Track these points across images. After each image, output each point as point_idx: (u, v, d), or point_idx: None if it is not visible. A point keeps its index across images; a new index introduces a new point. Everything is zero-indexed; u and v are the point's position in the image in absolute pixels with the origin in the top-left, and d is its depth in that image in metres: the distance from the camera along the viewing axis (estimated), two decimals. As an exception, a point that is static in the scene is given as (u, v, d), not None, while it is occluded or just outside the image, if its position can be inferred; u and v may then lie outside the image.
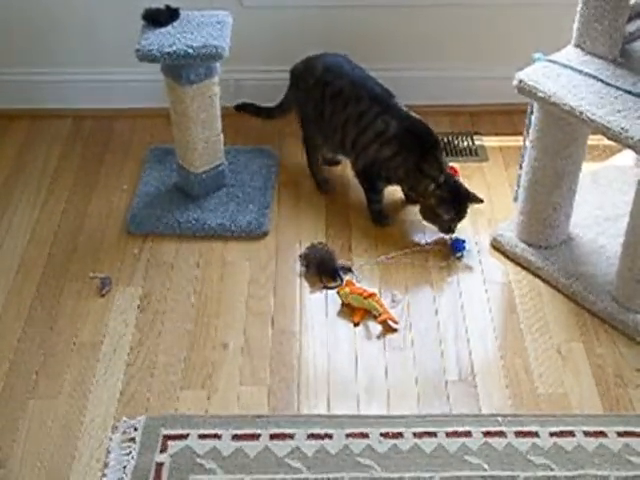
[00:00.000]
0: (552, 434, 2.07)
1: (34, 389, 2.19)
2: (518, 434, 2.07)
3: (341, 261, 2.51)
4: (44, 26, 2.94)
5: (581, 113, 2.20)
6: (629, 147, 2.17)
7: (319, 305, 2.42)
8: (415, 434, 2.07)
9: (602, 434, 2.07)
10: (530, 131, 2.41)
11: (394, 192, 2.72)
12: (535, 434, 2.07)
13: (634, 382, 2.21)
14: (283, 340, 2.32)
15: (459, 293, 2.45)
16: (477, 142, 2.99)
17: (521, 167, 2.53)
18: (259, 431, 2.07)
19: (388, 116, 2.54)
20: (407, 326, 2.36)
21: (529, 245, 2.52)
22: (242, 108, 2.87)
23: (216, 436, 2.06)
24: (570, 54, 2.37)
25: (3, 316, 2.37)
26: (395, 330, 2.35)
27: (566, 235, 2.54)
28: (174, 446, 2.04)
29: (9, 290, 2.45)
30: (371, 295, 2.38)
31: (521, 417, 2.11)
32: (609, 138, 2.20)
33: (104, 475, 2.00)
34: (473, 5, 2.90)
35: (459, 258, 2.55)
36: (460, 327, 2.36)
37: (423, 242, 2.61)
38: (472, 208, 2.57)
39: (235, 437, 2.06)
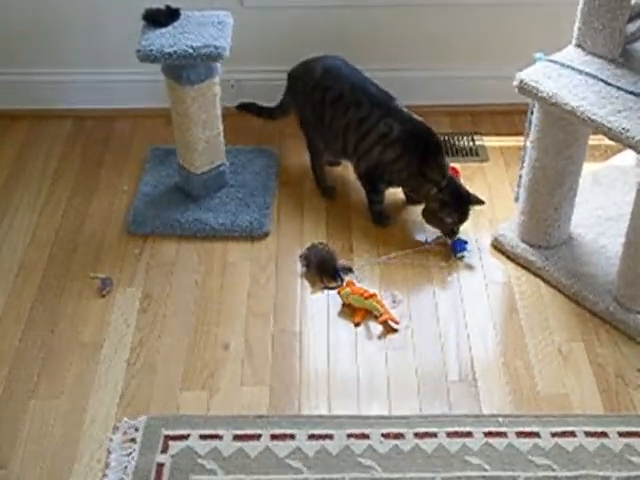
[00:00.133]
0: (553, 434, 2.07)
1: (35, 389, 2.19)
2: (519, 434, 2.07)
3: (342, 261, 2.51)
4: (44, 26, 2.94)
5: (582, 113, 2.20)
6: (630, 147, 2.17)
7: (320, 305, 2.42)
8: (416, 434, 2.07)
9: (603, 434, 2.07)
10: (531, 131, 2.41)
11: (395, 193, 2.72)
12: (536, 434, 2.07)
13: (635, 382, 2.21)
14: (284, 340, 2.32)
15: (460, 293, 2.45)
16: (478, 142, 2.99)
17: (522, 167, 2.52)
18: (260, 431, 2.07)
19: (391, 119, 2.54)
20: (408, 326, 2.36)
21: (530, 245, 2.52)
22: (244, 108, 2.86)
23: (217, 436, 2.06)
24: (571, 54, 2.36)
25: (4, 317, 2.37)
26: (396, 330, 2.34)
27: (567, 235, 2.54)
28: (175, 446, 2.04)
29: (10, 291, 2.45)
30: (372, 295, 2.38)
31: (522, 417, 2.11)
32: (610, 138, 2.20)
33: (105, 475, 2.00)
34: (473, 5, 2.90)
35: (460, 258, 2.55)
36: (461, 327, 2.35)
37: (424, 242, 2.61)
38: (473, 209, 2.57)
39: (236, 437, 2.06)
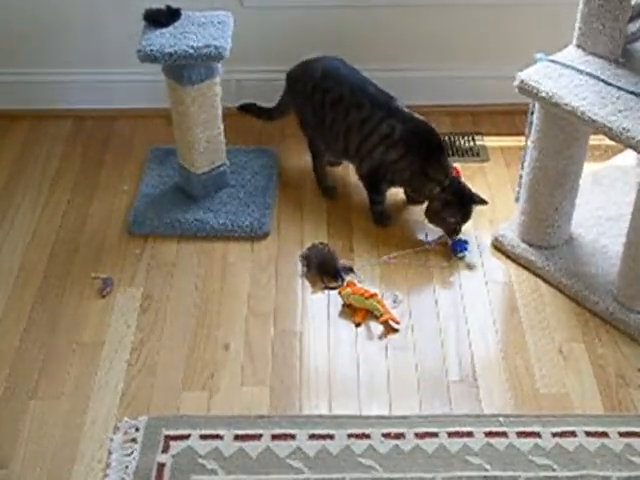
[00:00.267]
0: (554, 434, 2.07)
1: (36, 390, 2.19)
2: (520, 434, 2.07)
3: (342, 261, 2.51)
4: (44, 27, 2.94)
5: (582, 113, 2.20)
6: (631, 147, 2.17)
7: (320, 305, 2.42)
8: (417, 434, 2.07)
9: (604, 434, 2.07)
10: (531, 131, 2.41)
11: (396, 193, 2.72)
12: (537, 434, 2.07)
13: (636, 382, 2.20)
14: (284, 340, 2.32)
15: (460, 293, 2.45)
16: (478, 142, 2.99)
17: (522, 167, 2.52)
18: (261, 431, 2.07)
19: (393, 119, 2.54)
20: (408, 326, 2.36)
21: (530, 245, 2.52)
22: (245, 109, 2.87)
23: (218, 436, 2.06)
24: (571, 54, 2.36)
25: (4, 317, 2.37)
26: (396, 330, 2.34)
27: (567, 235, 2.54)
28: (176, 446, 2.04)
29: (11, 291, 2.45)
30: (372, 295, 2.38)
31: (523, 417, 2.11)
32: (611, 138, 2.20)
33: (106, 475, 2.00)
34: (474, 5, 2.90)
35: (461, 258, 2.55)
36: (461, 327, 2.35)
37: (425, 242, 2.61)
38: (475, 208, 2.57)
39: (237, 437, 2.06)
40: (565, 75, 2.30)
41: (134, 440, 2.06)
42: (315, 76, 2.63)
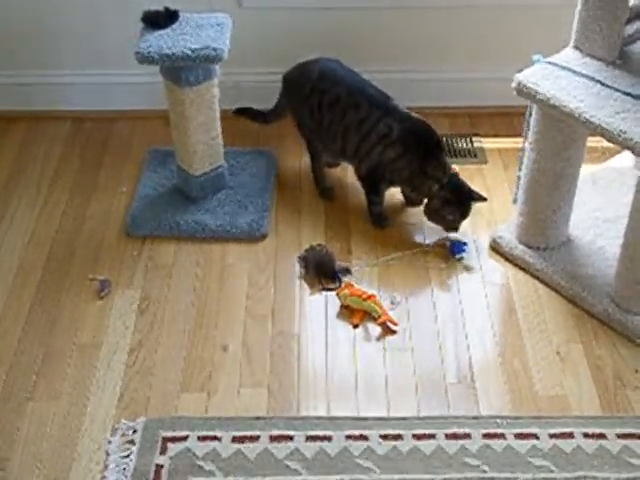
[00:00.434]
0: (551, 436, 2.07)
1: (33, 391, 2.19)
2: (517, 436, 2.07)
3: (340, 263, 2.51)
4: (43, 28, 2.94)
5: (580, 115, 2.20)
6: (628, 149, 2.17)
7: (318, 307, 2.42)
8: (415, 436, 2.07)
9: (602, 436, 2.07)
10: (529, 133, 2.41)
11: (394, 194, 2.72)
12: (534, 436, 2.07)
13: (633, 383, 2.21)
14: (282, 342, 2.32)
15: (458, 295, 2.45)
16: (476, 144, 2.99)
17: (520, 169, 2.53)
18: (258, 433, 2.07)
19: (390, 119, 2.54)
20: (406, 328, 2.36)
21: (528, 247, 2.52)
22: (240, 112, 2.86)
23: (215, 438, 2.06)
24: (569, 56, 2.37)
25: (2, 318, 2.37)
26: (394, 332, 2.35)
27: (565, 237, 2.54)
28: (173, 448, 2.04)
29: (9, 292, 2.45)
30: (370, 297, 2.38)
31: (520, 419, 2.11)
32: (608, 140, 2.20)
33: (103, 477, 2.00)
34: (472, 7, 2.90)
35: (459, 260, 2.55)
36: (459, 329, 2.36)
37: (422, 244, 2.61)
38: (472, 209, 2.57)
39: (234, 439, 2.06)
40: (563, 77, 2.30)
41: (132, 442, 2.06)
42: (312, 77, 2.63)
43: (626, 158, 2.81)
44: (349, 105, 2.57)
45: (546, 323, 2.37)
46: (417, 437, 2.06)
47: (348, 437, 2.06)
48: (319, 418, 2.12)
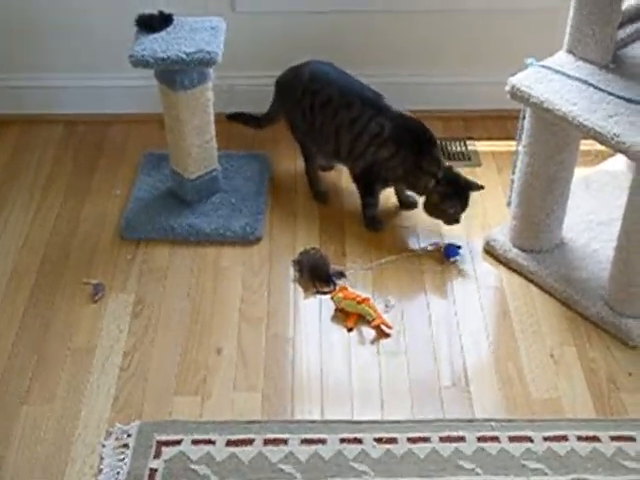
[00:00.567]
0: (545, 439, 2.07)
1: (27, 395, 2.18)
2: (512, 439, 2.07)
3: (334, 266, 2.51)
4: (37, 31, 2.94)
5: (573, 118, 2.21)
6: (621, 152, 2.18)
7: (313, 310, 2.42)
8: (409, 439, 2.07)
9: (595, 438, 2.07)
10: (523, 136, 2.42)
11: (388, 198, 2.73)
12: (528, 439, 2.07)
13: (627, 386, 2.21)
14: (277, 345, 2.32)
15: (452, 298, 2.46)
16: (470, 147, 2.99)
17: (514, 172, 2.53)
18: (253, 436, 2.07)
19: (381, 118, 2.55)
20: (401, 331, 2.36)
21: (522, 250, 2.53)
22: (234, 118, 2.86)
23: (210, 442, 2.06)
24: (562, 60, 2.38)
25: (-4, 322, 2.37)
26: (389, 335, 2.35)
27: (559, 240, 2.55)
28: (168, 452, 2.04)
29: (2, 296, 2.44)
30: (365, 300, 2.38)
31: (514, 422, 2.11)
32: (601, 143, 2.21)
33: (97, 481, 2.00)
34: (466, 11, 2.91)
35: (453, 263, 2.55)
36: (453, 332, 2.36)
37: (417, 247, 2.61)
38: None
39: (229, 442, 2.06)
40: (556, 80, 2.31)
41: (126, 445, 2.05)
42: (303, 79, 2.64)
43: (619, 161, 2.81)
44: (341, 105, 2.58)
45: (540, 326, 2.37)
46: (411, 440, 2.06)
47: (342, 440, 2.06)
48: (313, 422, 2.12)
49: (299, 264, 2.52)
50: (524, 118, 2.40)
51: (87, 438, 2.09)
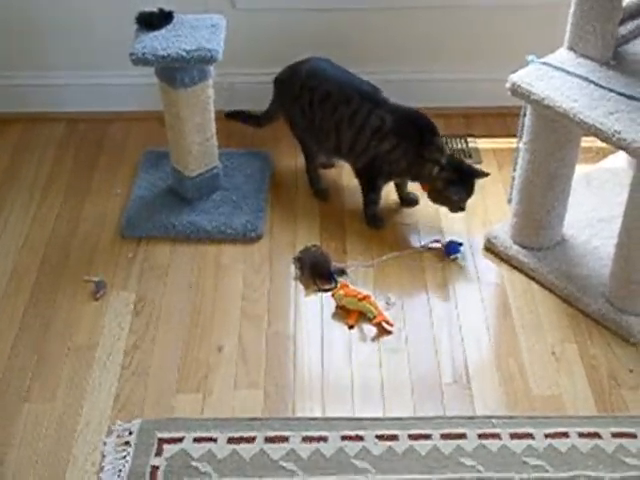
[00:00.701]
0: (546, 435, 2.07)
1: (28, 393, 2.19)
2: (513, 436, 2.07)
3: (335, 264, 2.51)
4: (38, 29, 2.94)
5: (574, 115, 2.21)
6: (622, 149, 2.17)
7: (314, 308, 2.42)
8: (410, 436, 2.07)
9: (596, 435, 2.07)
10: (523, 133, 2.42)
11: (388, 195, 2.73)
12: (529, 435, 2.07)
13: (628, 383, 2.21)
14: (278, 343, 2.32)
15: (453, 295, 2.46)
16: (471, 144, 2.99)
17: (515, 169, 2.53)
18: (254, 434, 2.07)
19: (381, 111, 2.55)
20: (402, 328, 2.36)
21: (523, 247, 2.53)
22: (232, 116, 2.86)
23: (211, 439, 2.06)
24: (563, 56, 2.37)
25: (-3, 320, 2.37)
26: (390, 332, 2.35)
27: (560, 237, 2.55)
28: (169, 449, 2.04)
29: (3, 294, 2.44)
30: (366, 297, 2.39)
31: (515, 419, 2.12)
32: (602, 140, 2.21)
33: (99, 479, 2.00)
34: (467, 7, 2.91)
35: (453, 260, 2.55)
36: (454, 329, 2.36)
37: (417, 244, 2.61)
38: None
39: (230, 440, 2.06)
40: (557, 77, 2.31)
41: (127, 443, 2.05)
42: (301, 76, 2.64)
43: (620, 158, 2.81)
44: (340, 100, 2.58)
45: (541, 323, 2.37)
46: (413, 437, 2.07)
47: (344, 438, 2.06)
48: (315, 419, 2.12)
49: (300, 261, 2.52)
50: (525, 115, 2.40)
51: (89, 436, 2.09)
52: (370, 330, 2.36)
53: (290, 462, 2.02)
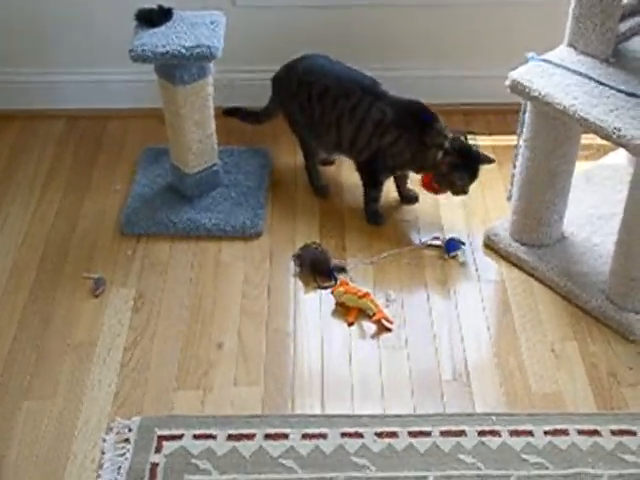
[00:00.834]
0: (546, 433, 2.07)
1: (28, 390, 2.19)
2: (512, 433, 2.07)
3: (335, 261, 2.51)
4: (37, 26, 2.94)
5: (574, 112, 2.21)
6: (622, 146, 2.17)
7: (313, 305, 2.42)
8: (410, 433, 2.07)
9: (596, 432, 2.07)
10: (523, 130, 2.42)
11: (388, 192, 2.73)
12: (529, 433, 2.07)
13: (627, 380, 2.21)
14: (277, 340, 2.32)
15: (453, 292, 2.46)
16: (470, 141, 2.98)
17: (515, 166, 2.53)
18: (253, 431, 2.07)
19: (381, 103, 2.54)
20: (401, 325, 2.36)
21: (523, 244, 2.53)
22: (230, 113, 2.86)
23: (211, 436, 2.06)
24: (563, 53, 2.37)
25: (-3, 317, 2.37)
26: (389, 329, 2.35)
27: (560, 234, 2.55)
28: (169, 446, 2.04)
29: (2, 291, 2.44)
30: (365, 295, 2.39)
31: (515, 416, 2.12)
32: (602, 137, 2.21)
33: (99, 476, 2.00)
34: (466, 4, 2.91)
35: (453, 257, 2.55)
36: (454, 326, 2.36)
37: (417, 242, 2.61)
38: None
39: (230, 437, 2.06)
40: (557, 74, 2.30)
41: (127, 440, 2.05)
42: (297, 72, 2.64)
43: (620, 155, 2.81)
44: (339, 94, 2.57)
45: (541, 320, 2.37)
46: (412, 434, 2.07)
47: (343, 435, 2.06)
48: (314, 416, 2.12)
49: (300, 259, 2.52)
50: (525, 112, 2.40)
51: (88, 433, 2.09)
52: (370, 327, 2.36)
53: (290, 459, 2.02)
